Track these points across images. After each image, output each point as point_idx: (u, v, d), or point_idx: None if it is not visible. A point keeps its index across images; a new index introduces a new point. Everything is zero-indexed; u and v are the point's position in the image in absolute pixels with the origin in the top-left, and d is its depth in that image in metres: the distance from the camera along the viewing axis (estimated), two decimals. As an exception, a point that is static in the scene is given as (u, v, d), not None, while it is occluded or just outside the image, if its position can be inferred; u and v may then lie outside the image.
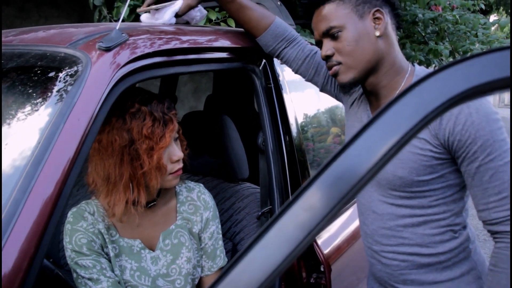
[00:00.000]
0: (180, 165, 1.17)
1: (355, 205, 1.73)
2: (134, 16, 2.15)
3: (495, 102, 23.69)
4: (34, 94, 0.89)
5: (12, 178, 0.74)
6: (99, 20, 2.34)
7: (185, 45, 1.14)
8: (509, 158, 0.97)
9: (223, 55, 1.29)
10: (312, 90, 1.69)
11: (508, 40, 3.30)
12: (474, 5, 3.33)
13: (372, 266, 1.25)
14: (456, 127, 0.98)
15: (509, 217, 0.98)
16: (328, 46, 1.12)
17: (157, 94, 1.17)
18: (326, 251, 1.46)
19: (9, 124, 0.86)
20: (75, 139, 0.81)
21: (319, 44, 1.17)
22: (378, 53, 1.10)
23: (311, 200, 0.49)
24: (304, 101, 1.87)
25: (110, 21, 2.29)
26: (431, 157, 1.04)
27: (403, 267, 1.16)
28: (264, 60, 1.43)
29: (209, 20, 2.10)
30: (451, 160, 1.04)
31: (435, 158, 1.04)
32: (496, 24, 3.43)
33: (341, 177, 0.49)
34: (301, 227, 0.48)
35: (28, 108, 0.87)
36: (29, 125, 0.82)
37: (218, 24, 1.98)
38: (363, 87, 1.17)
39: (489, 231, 1.03)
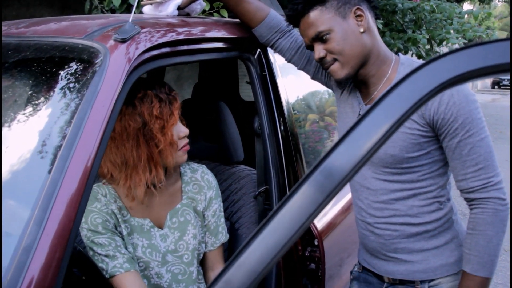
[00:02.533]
0: (187, 140, 1.27)
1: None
2: (125, 6, 2.19)
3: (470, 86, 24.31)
4: (57, 84, 0.96)
5: (47, 161, 0.82)
6: (90, 10, 2.37)
7: (190, 36, 1.21)
8: (485, 135, 1.11)
9: (222, 45, 1.37)
10: (294, 76, 1.79)
11: (480, 28, 3.46)
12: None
13: (365, 238, 1.36)
14: (440, 107, 1.12)
15: (484, 186, 1.12)
16: (319, 49, 1.21)
17: (156, 79, 1.25)
18: (320, 227, 1.57)
19: (37, 112, 0.93)
20: (101, 124, 0.88)
21: (310, 48, 1.27)
22: (365, 47, 1.21)
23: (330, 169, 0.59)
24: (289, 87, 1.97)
25: (102, 10, 2.33)
26: (419, 135, 1.16)
27: (395, 236, 1.28)
28: (259, 49, 1.52)
29: (202, 11, 2.16)
30: (435, 138, 1.17)
31: (422, 136, 1.16)
32: (469, 14, 3.59)
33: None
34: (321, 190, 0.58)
35: (54, 96, 0.94)
36: (58, 112, 0.90)
37: (212, 14, 2.05)
38: (354, 78, 1.28)
39: (466, 199, 1.18)
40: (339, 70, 1.21)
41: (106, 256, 1.17)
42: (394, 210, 1.26)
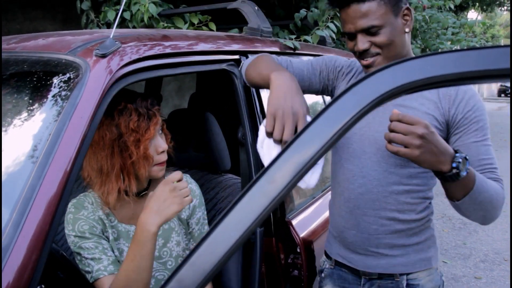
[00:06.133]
0: (165, 156, 1.32)
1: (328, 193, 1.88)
2: (120, 20, 2.26)
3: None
4: (41, 96, 1.02)
5: (27, 167, 0.88)
6: (86, 24, 2.45)
7: (169, 50, 1.27)
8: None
9: (205, 58, 1.43)
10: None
11: (475, 38, 3.50)
12: (444, 5, 3.51)
13: (344, 232, 1.38)
14: (466, 108, 1.22)
15: (495, 178, 1.20)
16: (364, 40, 1.22)
17: (141, 93, 1.31)
18: (302, 234, 1.61)
19: (21, 122, 0.99)
20: (79, 134, 0.94)
21: (348, 35, 1.26)
22: (406, 46, 1.26)
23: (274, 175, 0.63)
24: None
25: (98, 24, 2.41)
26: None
27: (380, 231, 1.32)
28: (242, 62, 1.57)
29: (191, 24, 2.23)
30: (444, 137, 1.25)
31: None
32: (464, 24, 3.64)
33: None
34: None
35: (36, 108, 1.00)
36: (39, 122, 0.95)
37: (200, 28, 2.12)
38: None
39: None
40: (381, 63, 1.23)
41: (92, 259, 1.22)
42: (385, 203, 1.30)
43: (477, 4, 11.98)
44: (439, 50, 3.45)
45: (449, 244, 4.35)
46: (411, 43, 3.91)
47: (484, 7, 11.78)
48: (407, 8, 1.23)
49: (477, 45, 3.48)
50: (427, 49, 3.66)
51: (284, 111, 1.10)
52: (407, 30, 1.23)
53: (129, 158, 1.23)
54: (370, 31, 1.20)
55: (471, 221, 1.25)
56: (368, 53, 1.24)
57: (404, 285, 1.34)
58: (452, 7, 3.55)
